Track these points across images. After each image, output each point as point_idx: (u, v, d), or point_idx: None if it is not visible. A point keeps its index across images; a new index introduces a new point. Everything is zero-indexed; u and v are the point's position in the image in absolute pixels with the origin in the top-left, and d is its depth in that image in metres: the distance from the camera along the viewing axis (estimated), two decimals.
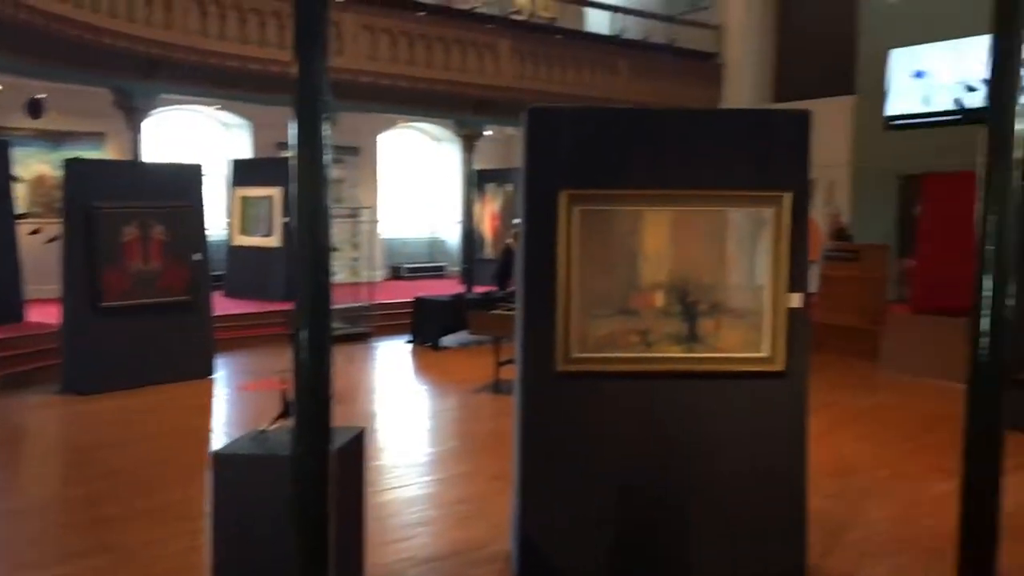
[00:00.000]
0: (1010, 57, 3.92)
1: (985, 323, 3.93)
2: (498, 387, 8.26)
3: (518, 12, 15.69)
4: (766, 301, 3.86)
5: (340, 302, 11.98)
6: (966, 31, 12.24)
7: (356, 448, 3.54)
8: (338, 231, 12.16)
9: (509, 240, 11.27)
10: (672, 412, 3.93)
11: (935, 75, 13.54)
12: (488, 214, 15.08)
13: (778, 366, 3.88)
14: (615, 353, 3.84)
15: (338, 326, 11.73)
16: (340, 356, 10.56)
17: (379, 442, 6.80)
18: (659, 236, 3.89)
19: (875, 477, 5.93)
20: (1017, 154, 3.87)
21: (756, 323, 3.87)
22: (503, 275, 10.95)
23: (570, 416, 3.88)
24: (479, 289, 12.46)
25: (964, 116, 13.07)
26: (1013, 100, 3.91)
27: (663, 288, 3.87)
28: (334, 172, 15.01)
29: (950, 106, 13.39)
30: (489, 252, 14.47)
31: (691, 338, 3.88)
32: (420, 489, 5.64)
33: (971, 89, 13.00)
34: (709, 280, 3.89)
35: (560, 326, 3.78)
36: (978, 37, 11.73)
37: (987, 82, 3.95)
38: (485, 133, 15.58)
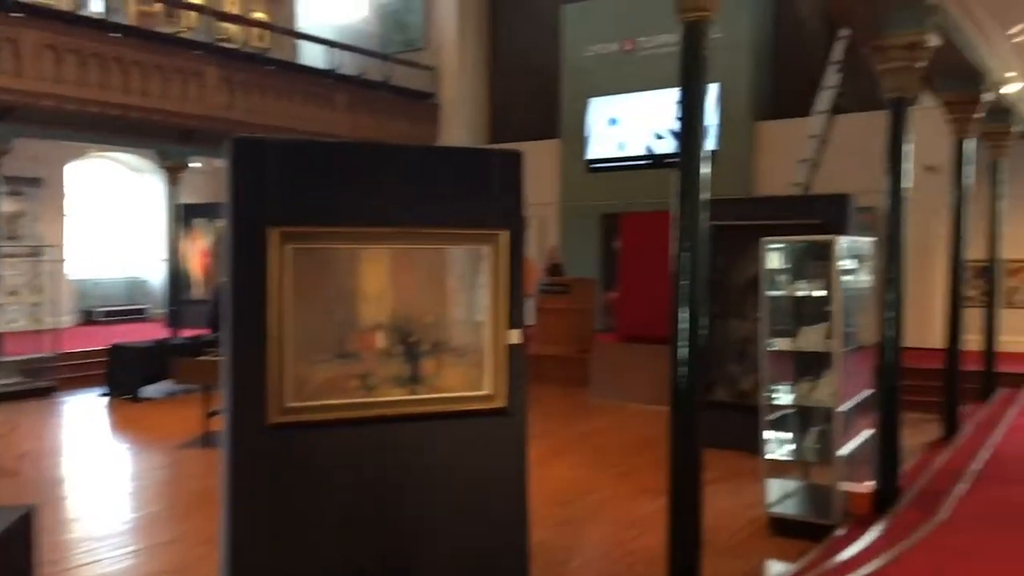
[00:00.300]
0: (696, 109, 4.30)
1: (683, 352, 4.24)
2: (208, 440, 7.61)
3: (227, 40, 14.96)
4: (486, 338, 3.84)
5: (17, 353, 10.53)
6: (655, 84, 13.57)
7: (19, 532, 2.97)
8: (15, 272, 10.69)
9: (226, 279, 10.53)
10: (395, 457, 3.76)
11: (628, 123, 14.84)
12: (197, 251, 14.08)
13: (500, 403, 3.86)
14: (334, 400, 3.61)
15: (14, 381, 10.27)
16: (17, 415, 9.23)
17: (67, 513, 5.95)
18: (378, 275, 3.74)
19: (591, 502, 6.18)
20: (704, 196, 4.25)
21: (477, 361, 3.84)
22: (217, 316, 10.21)
23: (285, 471, 3.57)
24: (187, 333, 11.53)
25: (655, 161, 14.43)
26: (699, 148, 4.28)
27: (384, 329, 3.71)
28: (10, 206, 13.22)
29: (643, 151, 14.72)
30: (199, 292, 13.50)
31: (414, 379, 3.76)
32: (116, 564, 4.96)
33: (659, 137, 14.40)
34: (430, 319, 3.80)
35: (272, 374, 3.48)
36: (665, 90, 13.05)
37: (675, 132, 4.31)
38: (192, 165, 14.58)
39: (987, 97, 8.12)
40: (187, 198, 14.57)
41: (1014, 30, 7.95)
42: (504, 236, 3.84)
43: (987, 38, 7.61)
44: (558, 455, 7.51)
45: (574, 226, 15.38)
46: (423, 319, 3.76)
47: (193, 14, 14.73)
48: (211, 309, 10.51)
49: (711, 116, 13.08)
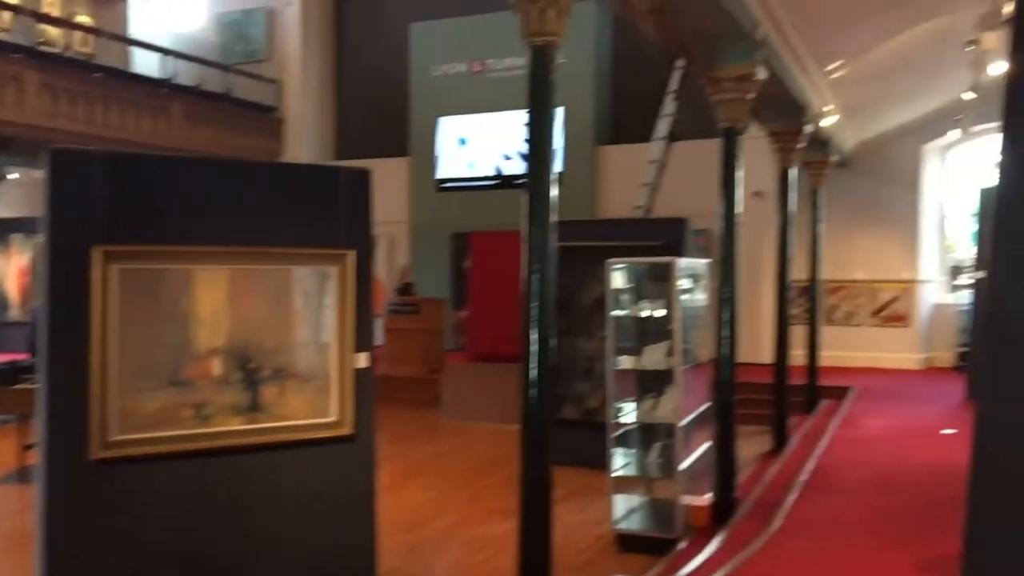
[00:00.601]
0: (544, 132, 4.35)
1: (533, 373, 4.25)
2: (24, 476, 6.97)
3: (48, 43, 13.92)
4: (332, 363, 3.70)
5: None
6: (504, 106, 13.76)
7: None
8: None
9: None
10: (234, 491, 3.54)
11: (478, 143, 14.97)
12: (15, 269, 12.97)
13: (346, 430, 3.73)
14: (166, 432, 3.36)
15: None
16: None
17: None
18: (215, 297, 3.53)
19: (442, 526, 6.09)
20: (553, 218, 4.30)
21: (323, 386, 3.69)
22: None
23: (110, 510, 3.29)
24: (3, 358, 10.54)
25: (504, 181, 14.60)
26: (548, 170, 4.32)
27: (221, 354, 3.50)
28: None
29: (492, 172, 14.87)
30: (16, 314, 12.42)
31: (253, 407, 3.56)
32: None
33: (508, 158, 14.59)
34: (272, 343, 3.62)
35: (94, 405, 3.20)
36: (514, 112, 13.25)
37: (524, 154, 4.34)
38: (9, 176, 13.46)
39: (808, 129, 8.73)
40: (3, 212, 13.43)
41: (830, 67, 8.60)
42: (351, 256, 3.73)
43: (807, 74, 8.19)
44: (408, 479, 7.38)
45: (424, 245, 15.31)
46: (264, 343, 3.58)
47: (7, 14, 13.62)
48: (30, 332, 9.68)
49: (557, 139, 13.42)
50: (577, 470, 6.55)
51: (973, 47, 7.84)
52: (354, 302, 3.73)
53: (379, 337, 11.58)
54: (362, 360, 3.76)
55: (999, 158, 1.94)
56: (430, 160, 15.32)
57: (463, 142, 15.11)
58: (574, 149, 13.79)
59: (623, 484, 5.75)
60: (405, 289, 12.91)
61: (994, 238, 1.94)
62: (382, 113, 16.18)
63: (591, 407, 7.82)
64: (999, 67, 8.38)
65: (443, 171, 15.29)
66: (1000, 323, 1.93)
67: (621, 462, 5.67)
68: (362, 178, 3.85)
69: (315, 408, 3.68)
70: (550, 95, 4.16)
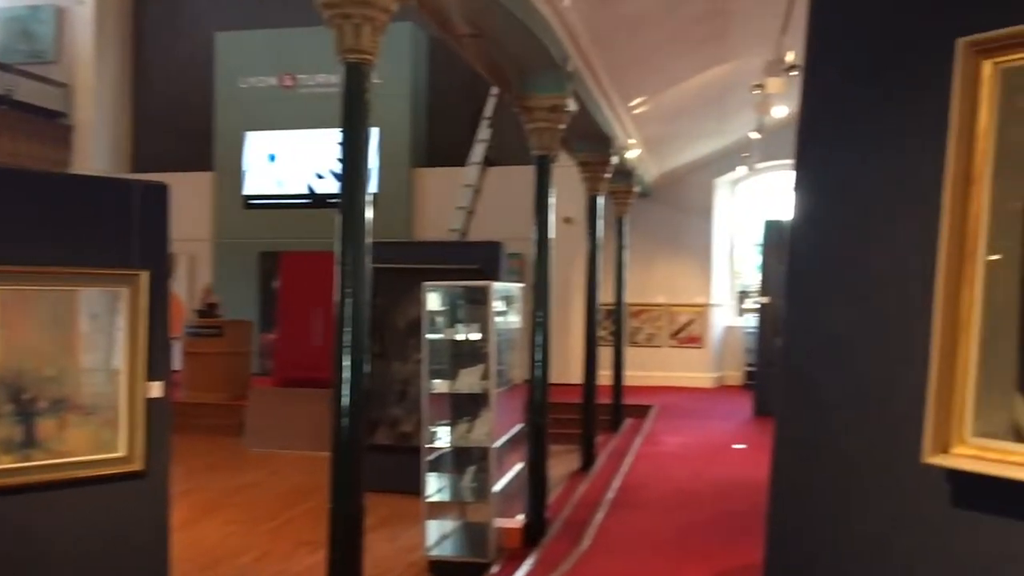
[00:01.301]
0: (358, 152, 4.24)
1: (346, 399, 4.11)
2: None
3: None
4: (121, 393, 3.38)
5: None
6: (316, 123, 13.41)
7: None
8: None
9: None
10: (6, 535, 3.15)
11: (288, 160, 14.51)
12: None
13: (137, 465, 3.41)
14: None
15: None
16: None
17: None
18: None
19: (244, 563, 5.74)
20: (368, 239, 4.19)
21: (110, 419, 3.36)
22: None
23: None
24: None
25: (316, 200, 14.23)
26: (362, 191, 4.22)
27: None
28: None
29: (303, 190, 14.45)
30: None
31: (28, 444, 3.18)
32: None
33: (320, 176, 14.25)
34: (51, 372, 3.26)
35: None
36: (326, 130, 12.95)
37: (337, 173, 4.21)
38: None
39: (614, 160, 9.14)
40: None
41: (634, 103, 9.07)
42: (144, 277, 3.44)
43: (613, 108, 8.58)
44: (208, 513, 6.92)
45: (230, 264, 14.59)
46: (41, 372, 3.22)
47: None
48: None
49: (372, 159, 13.28)
50: (390, 496, 6.41)
51: (759, 91, 8.51)
52: (147, 326, 3.44)
53: (178, 361, 10.88)
54: (155, 389, 3.47)
55: (791, 197, 2.07)
56: (236, 176, 14.67)
57: (272, 158, 14.61)
58: (390, 170, 13.68)
59: (437, 509, 5.68)
60: (208, 310, 12.21)
61: (787, 270, 2.06)
62: (184, 124, 15.31)
63: (405, 431, 7.71)
64: (781, 110, 9.16)
65: (250, 187, 14.68)
66: (789, 349, 2.05)
67: (435, 487, 5.61)
68: (158, 192, 3.57)
69: (100, 443, 3.34)
70: (365, 114, 4.06)
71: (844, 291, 1.91)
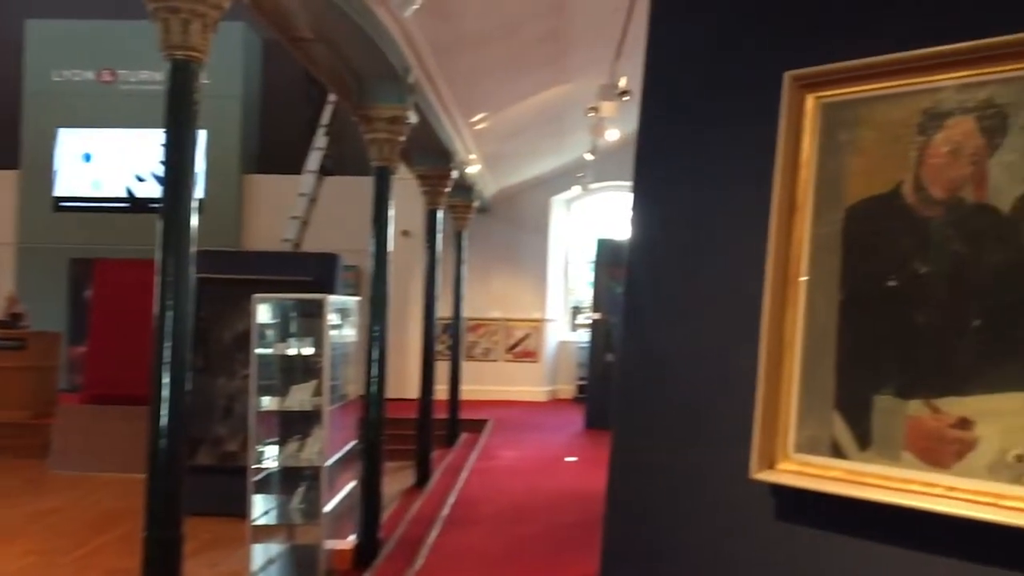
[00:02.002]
0: (184, 154, 3.99)
1: (164, 419, 3.83)
2: None
3: None
4: None
5: None
6: (138, 122, 12.59)
7: None
8: None
9: None
10: None
11: (105, 160, 13.55)
12: None
13: None
14: None
15: None
16: None
17: None
18: None
19: None
20: (192, 248, 3.94)
21: None
22: None
23: None
24: None
25: (135, 204, 13.36)
26: (187, 196, 3.96)
27: None
28: None
29: (121, 193, 13.54)
30: None
31: None
32: None
33: (141, 179, 13.40)
34: None
35: None
36: (149, 130, 12.18)
37: (160, 176, 3.94)
38: None
39: (454, 174, 9.14)
40: None
41: (474, 119, 9.13)
42: None
43: (454, 122, 8.59)
44: (1, 543, 6.29)
45: (37, 271, 13.40)
46: None
47: None
48: None
49: (199, 163, 12.64)
50: (212, 520, 6.06)
51: (594, 113, 8.78)
52: None
53: None
54: None
55: (629, 220, 2.11)
56: (46, 175, 13.52)
57: (88, 158, 13.59)
58: (218, 175, 13.05)
59: (263, 532, 5.42)
60: (12, 321, 11.14)
61: (623, 292, 2.10)
62: None
63: (230, 451, 7.33)
64: (614, 133, 9.50)
65: (62, 188, 13.59)
66: (624, 368, 2.08)
67: (261, 509, 5.35)
68: None
69: None
70: (192, 115, 3.83)
71: (676, 313, 1.96)
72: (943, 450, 1.52)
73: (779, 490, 1.70)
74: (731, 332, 1.83)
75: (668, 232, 2.01)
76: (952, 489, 1.49)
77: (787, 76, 1.78)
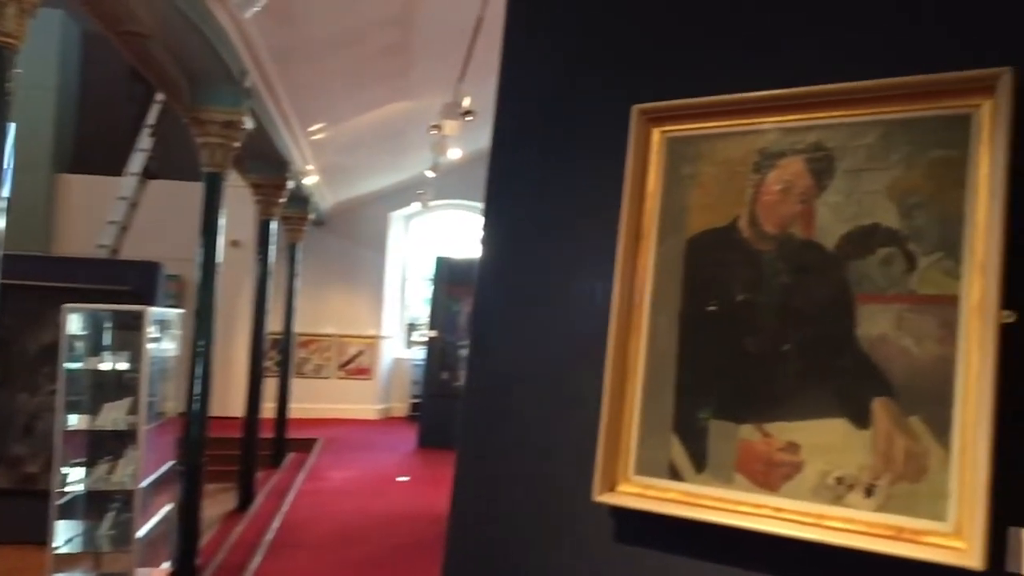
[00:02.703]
0: None
1: None
2: None
3: None
4: None
5: None
6: None
7: None
8: None
9: None
10: None
11: None
12: None
13: None
14: None
15: None
16: None
17: None
18: None
19: None
20: None
21: None
22: None
23: None
24: None
25: None
26: None
27: None
28: None
29: None
30: None
31: None
32: None
33: None
34: None
35: None
36: None
37: None
38: None
39: (290, 184, 8.87)
40: None
41: (313, 128, 8.91)
42: None
43: (292, 131, 8.35)
44: None
45: None
46: None
47: None
48: None
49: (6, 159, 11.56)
50: (9, 548, 5.54)
51: (436, 131, 8.80)
52: None
53: None
54: None
55: (480, 240, 2.11)
56: None
57: None
58: (26, 174, 11.93)
59: (66, 561, 5.00)
60: None
61: (471, 314, 2.09)
62: None
63: (30, 472, 6.70)
64: (456, 152, 9.55)
65: None
66: (471, 390, 2.07)
67: (65, 536, 4.92)
68: None
69: None
70: (4, 105, 3.50)
71: (524, 335, 1.97)
72: (772, 473, 1.60)
73: (620, 512, 1.74)
74: (577, 355, 1.86)
75: (518, 255, 2.02)
76: (779, 510, 1.57)
77: (634, 109, 1.84)
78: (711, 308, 1.74)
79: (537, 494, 1.87)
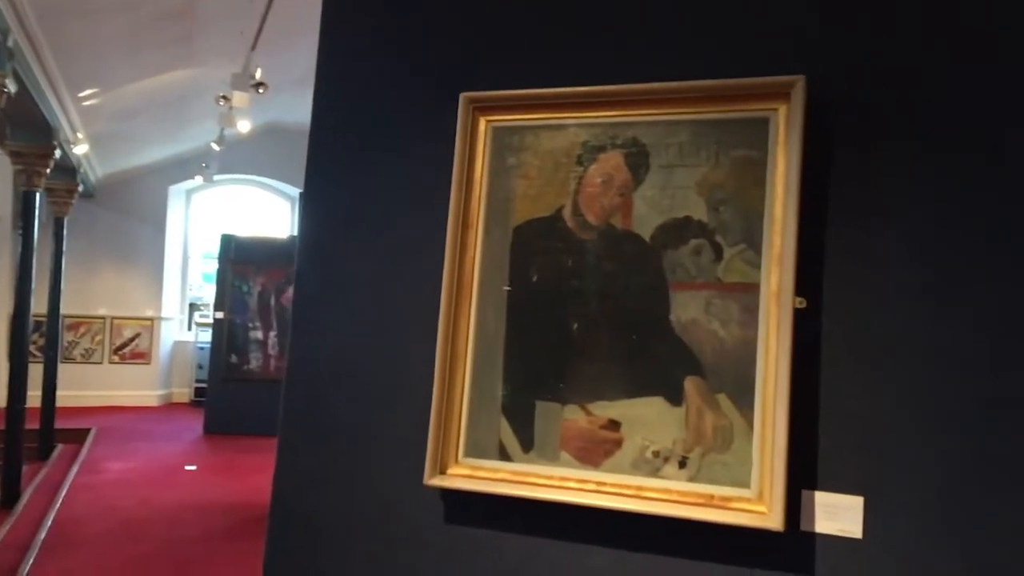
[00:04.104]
0: None
1: None
2: None
3: None
4: None
5: None
6: None
7: None
8: None
9: None
10: None
11: None
12: None
13: None
14: None
15: None
16: None
17: None
18: None
19: None
20: None
21: None
22: None
23: None
24: None
25: None
26: None
27: None
28: None
29: None
30: None
31: None
32: None
33: None
34: None
35: None
36: None
37: None
38: None
39: (57, 154, 8.08)
40: None
41: (84, 94, 8.17)
42: None
43: (59, 96, 7.61)
44: None
45: None
46: None
47: None
48: None
49: None
50: None
51: (225, 102, 8.34)
52: None
53: None
54: None
55: (299, 223, 2.05)
56: None
57: None
58: None
59: None
60: None
61: (293, 297, 2.03)
62: None
63: None
64: (245, 125, 9.12)
65: None
66: (293, 377, 2.02)
67: None
68: None
69: None
70: None
71: (351, 321, 1.94)
72: (595, 450, 1.70)
73: (451, 494, 1.77)
74: (408, 341, 1.86)
75: (341, 240, 1.99)
76: (602, 484, 1.68)
77: (463, 97, 1.86)
78: (536, 294, 1.81)
79: (365, 481, 1.86)
